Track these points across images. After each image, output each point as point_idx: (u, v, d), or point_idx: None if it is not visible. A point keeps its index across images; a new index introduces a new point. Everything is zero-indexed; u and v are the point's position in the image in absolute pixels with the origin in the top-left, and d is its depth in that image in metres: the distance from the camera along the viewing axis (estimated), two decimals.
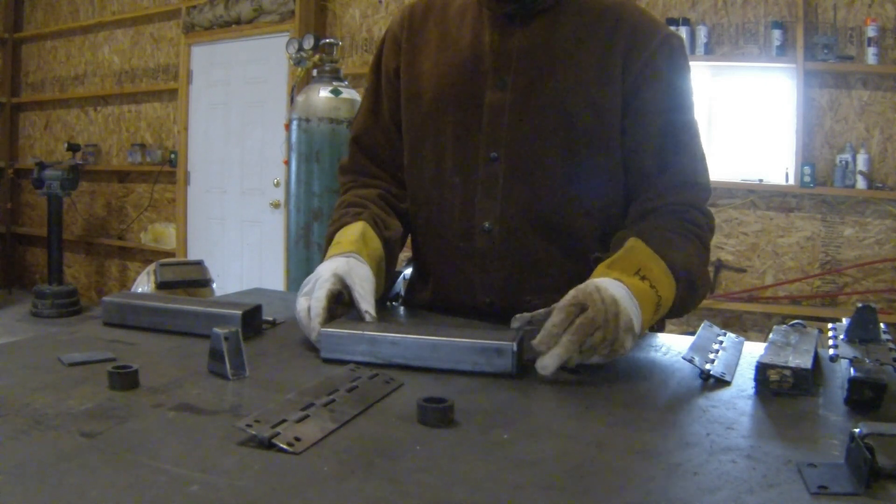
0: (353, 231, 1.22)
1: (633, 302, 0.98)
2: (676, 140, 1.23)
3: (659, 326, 1.41)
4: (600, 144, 1.23)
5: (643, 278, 1.02)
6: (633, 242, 1.09)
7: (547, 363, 0.91)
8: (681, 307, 1.13)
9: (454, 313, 1.32)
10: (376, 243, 1.24)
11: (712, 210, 1.26)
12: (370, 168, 1.41)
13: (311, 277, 1.12)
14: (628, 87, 1.21)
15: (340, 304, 1.10)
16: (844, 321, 1.04)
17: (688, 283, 1.11)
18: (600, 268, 1.06)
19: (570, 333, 0.92)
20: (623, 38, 1.22)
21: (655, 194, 1.22)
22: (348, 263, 1.13)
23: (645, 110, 1.22)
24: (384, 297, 1.43)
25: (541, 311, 0.98)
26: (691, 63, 1.30)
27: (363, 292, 1.10)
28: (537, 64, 1.23)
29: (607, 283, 0.98)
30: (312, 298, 1.06)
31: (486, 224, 1.26)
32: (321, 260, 1.21)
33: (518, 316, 1.01)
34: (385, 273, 1.27)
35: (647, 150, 1.22)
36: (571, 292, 0.96)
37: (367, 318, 1.07)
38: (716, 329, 1.12)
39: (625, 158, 1.25)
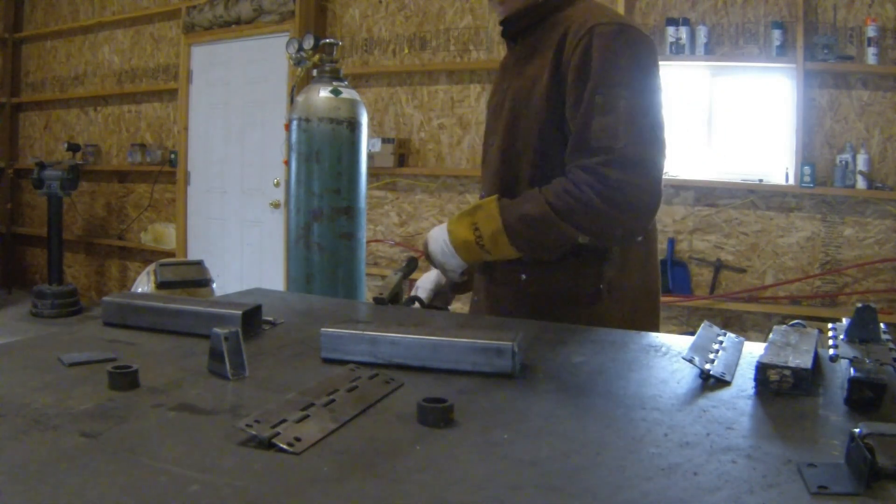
0: None
1: (443, 246, 1.48)
2: (590, 111, 1.33)
3: (652, 326, 1.44)
4: (526, 132, 1.46)
5: (476, 229, 1.41)
6: (489, 202, 1.42)
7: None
8: (523, 249, 1.40)
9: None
10: None
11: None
12: None
13: None
14: (561, 75, 1.38)
15: None
16: (844, 321, 1.04)
17: (515, 233, 1.38)
18: (458, 216, 1.48)
19: None
20: (562, 35, 1.39)
21: (568, 160, 1.38)
22: None
23: (570, 89, 1.36)
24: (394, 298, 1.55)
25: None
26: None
27: None
28: (513, 74, 1.52)
29: (438, 238, 1.49)
30: None
31: (482, 193, 1.56)
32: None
33: None
34: None
35: (572, 123, 1.37)
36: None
37: None
38: (716, 329, 1.12)
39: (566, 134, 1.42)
